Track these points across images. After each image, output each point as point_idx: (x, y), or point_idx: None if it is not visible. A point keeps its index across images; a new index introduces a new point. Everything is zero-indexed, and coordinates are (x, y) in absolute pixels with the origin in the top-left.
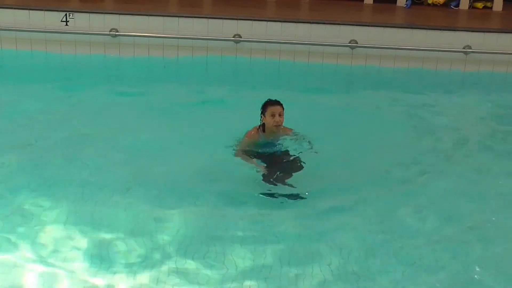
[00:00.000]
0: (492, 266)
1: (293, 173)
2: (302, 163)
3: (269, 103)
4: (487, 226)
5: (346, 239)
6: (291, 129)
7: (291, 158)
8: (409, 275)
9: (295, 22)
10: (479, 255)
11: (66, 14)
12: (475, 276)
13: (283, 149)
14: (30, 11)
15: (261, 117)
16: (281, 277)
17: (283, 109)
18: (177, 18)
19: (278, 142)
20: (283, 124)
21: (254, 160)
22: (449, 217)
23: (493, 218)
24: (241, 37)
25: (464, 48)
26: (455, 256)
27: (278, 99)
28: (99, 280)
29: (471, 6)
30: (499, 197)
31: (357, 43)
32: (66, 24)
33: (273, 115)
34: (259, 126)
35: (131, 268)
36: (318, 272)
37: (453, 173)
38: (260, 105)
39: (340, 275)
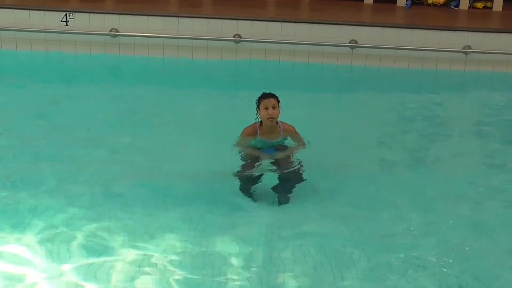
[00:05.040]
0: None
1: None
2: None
3: (262, 96)
4: (485, 224)
5: (339, 241)
6: (291, 126)
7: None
8: (406, 276)
9: (295, 22)
10: (474, 248)
11: (66, 14)
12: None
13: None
14: (30, 11)
15: (257, 111)
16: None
17: (278, 101)
18: (177, 18)
19: (275, 144)
20: (283, 120)
21: (256, 150)
22: (449, 218)
23: (492, 217)
24: (241, 37)
25: (464, 48)
26: (453, 253)
27: (273, 93)
28: (95, 277)
29: (471, 6)
30: (499, 196)
31: (357, 43)
32: (66, 24)
33: (266, 108)
34: (259, 123)
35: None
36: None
37: (453, 172)
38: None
39: (331, 276)
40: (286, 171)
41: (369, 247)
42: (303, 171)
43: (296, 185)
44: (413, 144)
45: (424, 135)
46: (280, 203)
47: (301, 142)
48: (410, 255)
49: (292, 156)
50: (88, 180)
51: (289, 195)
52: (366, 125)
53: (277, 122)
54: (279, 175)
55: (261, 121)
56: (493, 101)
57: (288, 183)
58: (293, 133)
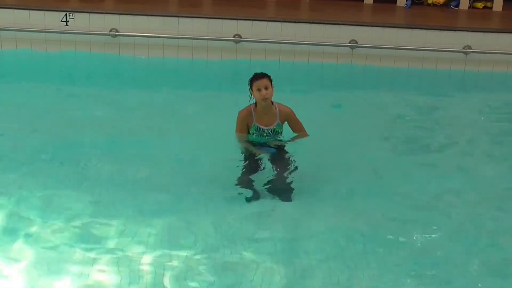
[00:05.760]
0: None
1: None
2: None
3: (254, 77)
4: (485, 224)
5: (337, 238)
6: (288, 107)
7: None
8: (401, 275)
9: (295, 22)
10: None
11: (66, 14)
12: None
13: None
14: (30, 11)
15: (250, 92)
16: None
17: (271, 81)
18: (177, 18)
19: (270, 134)
20: (279, 101)
21: (258, 149)
22: (449, 218)
23: (492, 217)
24: (241, 37)
25: (464, 48)
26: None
27: (265, 72)
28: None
29: (471, 6)
30: (499, 196)
31: (357, 43)
32: (66, 24)
33: (259, 89)
34: (253, 105)
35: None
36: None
37: (453, 173)
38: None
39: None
40: (283, 171)
41: (371, 246)
42: (292, 169)
43: (290, 182)
44: (413, 144)
45: (424, 135)
46: (284, 200)
47: (301, 129)
48: (410, 256)
49: (290, 155)
50: (89, 178)
51: (291, 194)
52: (366, 125)
53: (272, 103)
54: (276, 175)
55: (255, 102)
56: (493, 101)
57: (286, 183)
58: (290, 114)
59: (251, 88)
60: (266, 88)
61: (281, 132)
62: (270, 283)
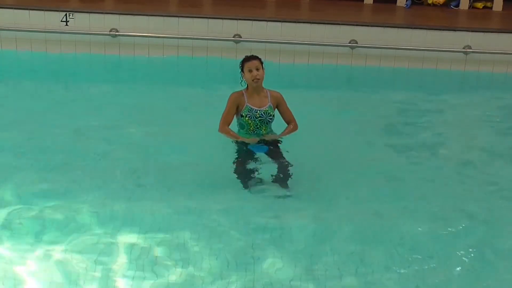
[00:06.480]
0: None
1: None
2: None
3: (245, 59)
4: (484, 223)
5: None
6: (278, 92)
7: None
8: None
9: (295, 22)
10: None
11: (66, 14)
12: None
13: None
14: (30, 11)
15: (241, 75)
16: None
17: (261, 63)
18: (177, 18)
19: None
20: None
21: (245, 137)
22: (448, 218)
23: (491, 217)
24: (241, 37)
25: (464, 48)
26: (448, 254)
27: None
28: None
29: (471, 6)
30: (499, 196)
31: (357, 43)
32: (66, 24)
33: (250, 71)
34: (245, 89)
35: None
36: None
37: (453, 173)
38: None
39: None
40: (279, 162)
41: (365, 243)
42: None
43: (290, 172)
44: (413, 144)
45: (424, 135)
46: (282, 186)
47: (290, 117)
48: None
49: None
50: (88, 178)
51: (288, 182)
52: (366, 125)
53: (263, 88)
54: (274, 168)
55: (247, 86)
56: (493, 101)
57: (283, 172)
58: (280, 98)
59: (242, 70)
60: (257, 69)
61: (274, 116)
62: (270, 271)
